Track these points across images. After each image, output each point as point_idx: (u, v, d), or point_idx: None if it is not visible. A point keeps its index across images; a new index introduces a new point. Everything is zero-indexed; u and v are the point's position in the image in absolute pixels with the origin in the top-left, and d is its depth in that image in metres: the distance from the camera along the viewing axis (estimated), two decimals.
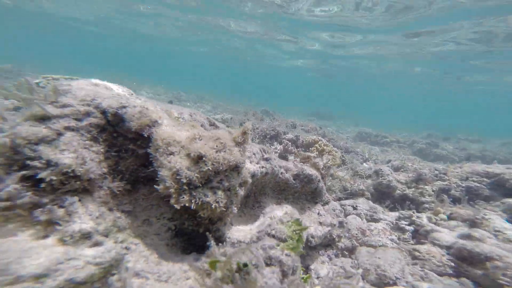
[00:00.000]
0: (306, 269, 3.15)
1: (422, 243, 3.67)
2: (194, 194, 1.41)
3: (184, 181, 1.39)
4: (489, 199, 4.55)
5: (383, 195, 5.57)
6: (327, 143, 8.01)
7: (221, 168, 1.51)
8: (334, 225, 3.11)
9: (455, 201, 4.94)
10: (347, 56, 22.88)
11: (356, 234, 4.20)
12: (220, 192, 1.54)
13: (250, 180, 2.06)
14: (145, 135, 1.58)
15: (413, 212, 4.35)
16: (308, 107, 35.51)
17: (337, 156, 7.79)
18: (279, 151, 8.09)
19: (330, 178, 5.44)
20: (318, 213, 3.12)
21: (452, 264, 3.05)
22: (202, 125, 2.63)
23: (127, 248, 1.34)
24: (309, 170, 3.05)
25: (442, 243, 3.38)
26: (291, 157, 6.60)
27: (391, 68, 24.78)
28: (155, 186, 1.43)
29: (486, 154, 11.87)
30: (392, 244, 3.78)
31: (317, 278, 2.76)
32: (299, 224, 2.36)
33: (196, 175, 1.41)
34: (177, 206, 1.38)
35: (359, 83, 43.18)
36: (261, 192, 3.11)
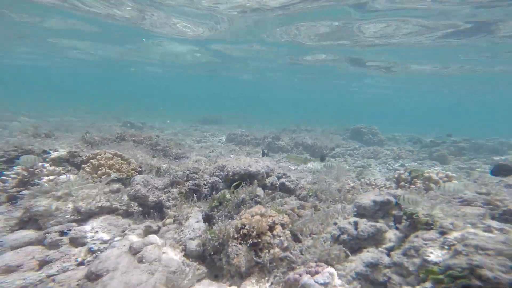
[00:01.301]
0: None
1: None
2: None
3: None
4: None
5: (142, 205, 4.90)
6: (112, 156, 6.49)
7: None
8: None
9: (205, 197, 4.80)
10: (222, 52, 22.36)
11: None
12: None
13: None
14: None
15: (129, 225, 3.76)
16: (200, 112, 33.51)
17: (111, 173, 6.34)
18: None
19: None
20: None
21: None
22: None
23: None
24: None
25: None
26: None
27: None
28: None
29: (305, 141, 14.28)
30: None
31: None
32: None
33: None
34: None
35: (245, 81, 43.28)
36: None
